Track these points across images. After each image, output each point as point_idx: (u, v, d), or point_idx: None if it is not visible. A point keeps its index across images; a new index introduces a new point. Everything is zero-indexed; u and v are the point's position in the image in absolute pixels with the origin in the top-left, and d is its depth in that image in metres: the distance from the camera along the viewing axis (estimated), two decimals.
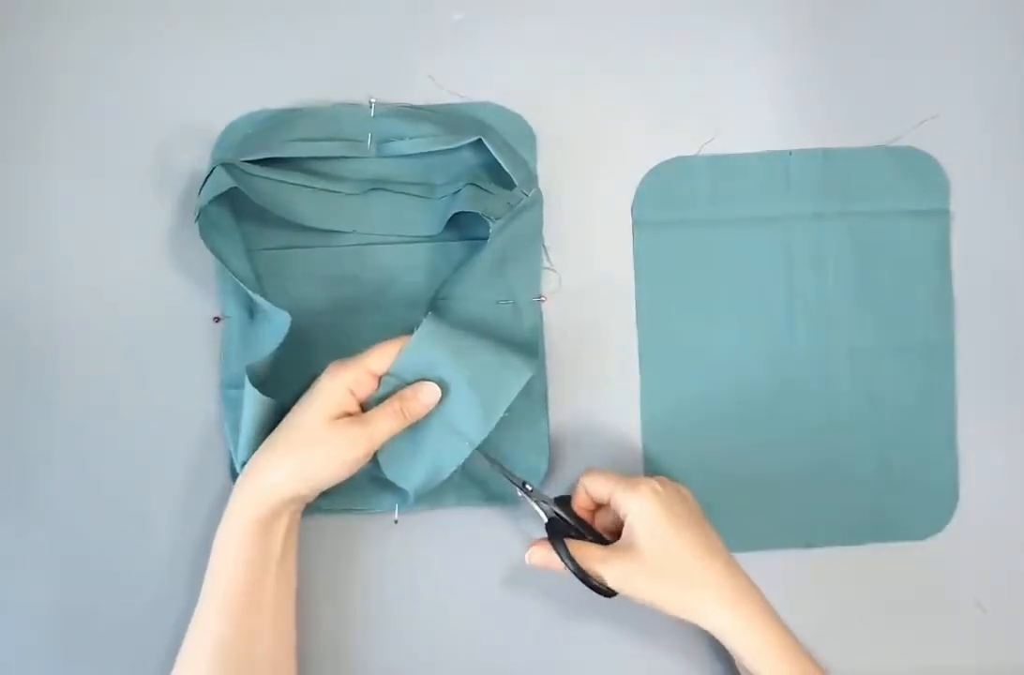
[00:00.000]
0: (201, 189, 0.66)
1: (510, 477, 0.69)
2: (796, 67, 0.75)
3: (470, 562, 0.73)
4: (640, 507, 0.66)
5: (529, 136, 0.73)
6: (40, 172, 0.71)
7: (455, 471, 0.67)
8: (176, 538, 0.71)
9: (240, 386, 0.67)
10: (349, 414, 0.65)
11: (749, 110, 0.74)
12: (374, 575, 0.72)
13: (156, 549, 0.71)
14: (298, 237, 0.71)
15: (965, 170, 0.75)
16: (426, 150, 0.70)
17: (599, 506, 0.70)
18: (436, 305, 0.71)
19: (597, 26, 0.74)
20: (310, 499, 0.67)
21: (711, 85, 0.74)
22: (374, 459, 0.67)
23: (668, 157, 0.74)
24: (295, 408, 0.66)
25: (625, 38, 0.74)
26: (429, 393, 0.66)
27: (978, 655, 0.75)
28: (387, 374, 0.66)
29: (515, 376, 0.67)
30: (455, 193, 0.70)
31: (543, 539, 0.68)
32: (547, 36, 0.73)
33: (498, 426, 0.67)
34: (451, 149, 0.70)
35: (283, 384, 0.68)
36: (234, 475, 0.69)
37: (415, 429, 0.67)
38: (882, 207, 0.74)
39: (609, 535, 0.69)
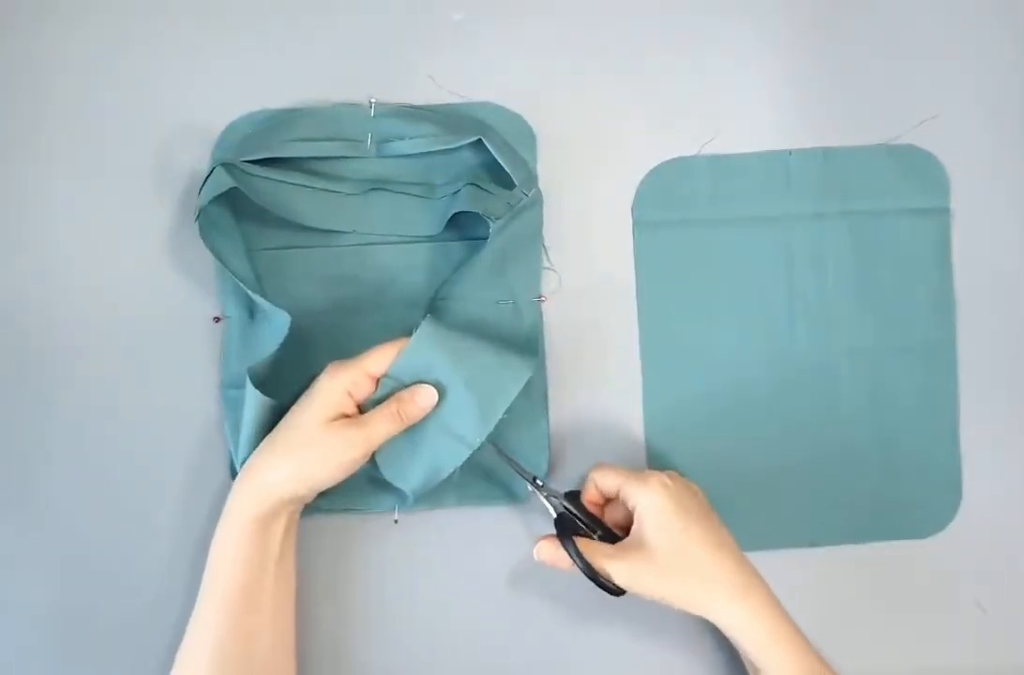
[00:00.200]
0: (201, 189, 0.66)
1: (521, 472, 0.69)
2: (796, 67, 0.75)
3: (470, 562, 0.73)
4: (649, 500, 0.66)
5: (529, 136, 0.73)
6: (40, 172, 0.71)
7: (454, 471, 0.67)
8: (176, 538, 0.71)
9: (240, 386, 0.67)
10: (347, 415, 0.65)
11: (749, 110, 0.74)
12: (374, 575, 0.72)
13: (156, 549, 0.71)
14: (298, 237, 0.71)
15: (965, 169, 0.75)
16: (426, 150, 0.70)
17: (608, 500, 0.70)
18: (436, 305, 0.71)
19: (597, 26, 0.74)
20: (308, 499, 0.67)
21: (711, 85, 0.74)
22: (372, 460, 0.67)
23: (668, 157, 0.74)
24: (293, 408, 0.66)
25: (625, 38, 0.74)
26: (426, 396, 0.66)
27: (978, 655, 0.75)
28: (385, 376, 0.66)
29: (513, 377, 0.67)
30: (455, 193, 0.70)
31: (550, 535, 0.68)
32: (547, 36, 0.73)
33: (498, 426, 0.66)
34: (451, 149, 0.70)
35: (283, 384, 0.68)
36: (234, 475, 0.69)
37: (413, 430, 0.66)
38: (882, 206, 0.74)
39: (618, 529, 0.69)
